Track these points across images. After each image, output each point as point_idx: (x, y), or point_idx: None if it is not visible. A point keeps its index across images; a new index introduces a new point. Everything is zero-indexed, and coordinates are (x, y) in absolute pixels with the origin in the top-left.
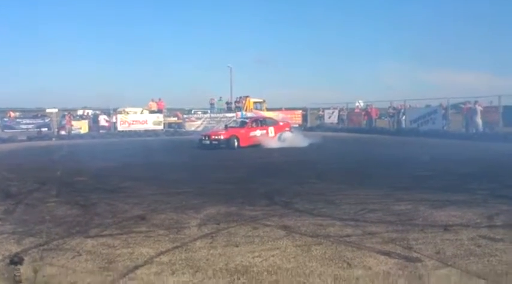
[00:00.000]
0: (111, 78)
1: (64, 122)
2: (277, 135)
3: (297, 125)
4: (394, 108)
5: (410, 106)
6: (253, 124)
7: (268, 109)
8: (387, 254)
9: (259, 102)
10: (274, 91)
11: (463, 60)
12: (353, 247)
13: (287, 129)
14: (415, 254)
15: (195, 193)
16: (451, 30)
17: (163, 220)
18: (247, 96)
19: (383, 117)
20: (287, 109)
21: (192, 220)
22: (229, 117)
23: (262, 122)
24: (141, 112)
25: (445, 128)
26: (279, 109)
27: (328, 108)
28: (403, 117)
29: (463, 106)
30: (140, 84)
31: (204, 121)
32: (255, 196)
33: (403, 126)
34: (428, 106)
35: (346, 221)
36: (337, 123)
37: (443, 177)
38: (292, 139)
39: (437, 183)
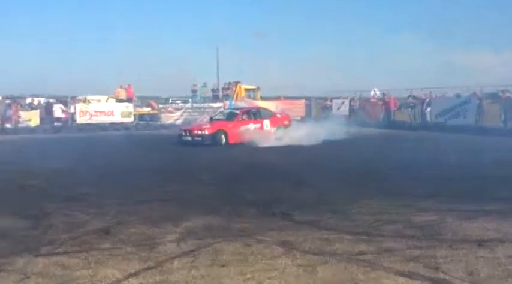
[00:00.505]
0: (68, 58)
1: (10, 113)
2: (274, 129)
3: (298, 118)
4: (414, 98)
5: (436, 96)
6: (245, 117)
7: (263, 99)
8: (408, 275)
9: (252, 90)
10: (271, 77)
11: (502, 38)
12: (366, 267)
13: (286, 122)
14: (442, 276)
15: (172, 202)
16: None
17: (132, 234)
18: (237, 82)
19: (402, 108)
20: (286, 98)
21: (168, 235)
22: (216, 108)
23: (255, 114)
24: (106, 101)
25: (478, 122)
26: (277, 98)
27: (337, 98)
28: (428, 109)
29: (501, 95)
30: (105, 66)
31: (184, 112)
32: (247, 205)
33: (428, 119)
34: (458, 95)
35: (357, 235)
36: (348, 116)
37: (474, 182)
38: (294, 134)
39: (468, 189)
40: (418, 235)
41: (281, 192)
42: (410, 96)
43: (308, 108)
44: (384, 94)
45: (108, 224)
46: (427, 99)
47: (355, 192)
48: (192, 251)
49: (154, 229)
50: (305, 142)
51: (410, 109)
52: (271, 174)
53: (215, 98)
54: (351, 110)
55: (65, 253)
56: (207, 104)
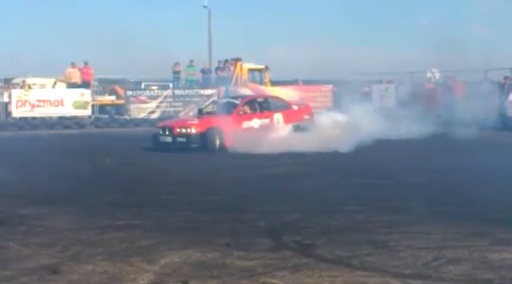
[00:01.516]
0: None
1: None
2: (289, 127)
3: (324, 109)
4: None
5: None
6: (248, 109)
7: (273, 83)
8: None
9: (259, 70)
10: (284, 52)
11: None
12: None
13: (306, 116)
14: None
15: (147, 228)
16: None
17: (89, 274)
18: (237, 60)
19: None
20: (306, 82)
21: (141, 275)
22: (207, 96)
23: (262, 105)
24: (54, 86)
25: None
26: (293, 82)
27: (379, 82)
28: (510, 97)
29: None
30: (53, 34)
31: (162, 102)
32: (251, 234)
33: (510, 113)
34: None
35: (408, 278)
36: (396, 106)
37: None
38: (319, 134)
39: None
40: (494, 279)
41: (295, 214)
42: (485, 77)
43: (337, 96)
44: (446, 76)
45: (57, 259)
46: (508, 84)
47: (404, 216)
48: None
49: (122, 266)
50: (341, 145)
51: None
52: (282, 189)
53: (206, 82)
54: (398, 98)
55: None
56: (194, 91)
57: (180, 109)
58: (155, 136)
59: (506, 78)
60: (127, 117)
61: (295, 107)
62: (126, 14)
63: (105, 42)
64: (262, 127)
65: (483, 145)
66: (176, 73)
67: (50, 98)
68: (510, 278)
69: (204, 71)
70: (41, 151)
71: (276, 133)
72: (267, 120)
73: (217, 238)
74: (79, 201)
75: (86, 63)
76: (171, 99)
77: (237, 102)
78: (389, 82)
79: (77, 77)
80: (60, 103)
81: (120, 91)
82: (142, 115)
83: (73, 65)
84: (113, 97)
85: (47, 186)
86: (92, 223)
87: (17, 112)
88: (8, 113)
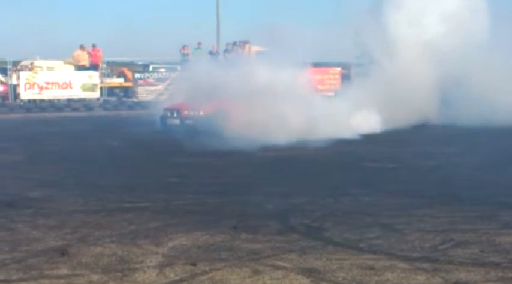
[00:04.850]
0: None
1: None
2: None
3: (331, 93)
4: None
5: None
6: None
7: None
8: None
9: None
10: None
11: None
12: None
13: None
14: None
15: (154, 210)
16: None
17: (98, 256)
18: (246, 42)
19: None
20: (315, 65)
21: (149, 258)
22: None
23: None
24: (62, 69)
25: None
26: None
27: None
28: None
29: None
30: (60, 17)
31: (170, 85)
32: (258, 216)
33: None
34: None
35: (415, 262)
36: None
37: None
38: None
39: None
40: (502, 262)
41: (307, 197)
42: None
43: (346, 78)
44: None
45: (66, 241)
46: None
47: (411, 199)
48: (180, 281)
49: (130, 248)
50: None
51: None
52: (290, 172)
53: None
54: None
55: (5, 281)
56: None
57: None
58: (162, 119)
59: None
60: (135, 100)
61: None
62: None
63: (113, 25)
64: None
65: None
66: (184, 55)
67: (58, 80)
68: None
69: (212, 54)
70: (50, 133)
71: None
72: None
73: (225, 221)
74: (87, 184)
75: (94, 45)
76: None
77: None
78: None
79: (85, 59)
80: (69, 85)
81: (128, 73)
82: (150, 97)
83: (82, 47)
84: (121, 80)
85: (55, 168)
86: (100, 205)
87: (25, 94)
88: (16, 95)
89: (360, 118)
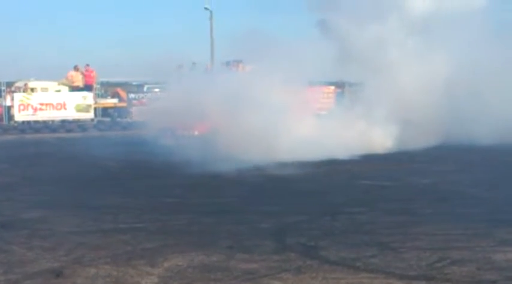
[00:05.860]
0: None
1: None
2: None
3: (324, 112)
4: None
5: None
6: None
7: None
8: None
9: None
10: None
11: None
12: None
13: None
14: None
15: (150, 231)
16: None
17: (93, 277)
18: (239, 62)
19: None
20: (310, 84)
21: (144, 279)
22: None
23: None
24: (57, 90)
25: None
26: None
27: None
28: None
29: None
30: (55, 39)
31: (157, 103)
32: (254, 236)
33: None
34: None
35: (412, 280)
36: None
37: None
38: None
39: None
40: (498, 280)
41: (303, 216)
42: None
43: (339, 97)
44: None
45: (60, 262)
46: None
47: (407, 217)
48: None
49: (126, 269)
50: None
51: None
52: (285, 192)
53: None
54: None
55: None
56: None
57: None
58: (157, 139)
59: None
60: (129, 119)
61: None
62: (129, 17)
63: (108, 44)
64: None
65: None
66: (179, 75)
67: (52, 101)
68: None
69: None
70: (44, 154)
71: None
72: None
73: (221, 241)
74: (82, 205)
75: (87, 66)
76: None
77: None
78: None
79: (79, 80)
80: (63, 106)
81: (123, 94)
82: (144, 117)
83: (76, 68)
84: (115, 100)
85: (50, 189)
86: (96, 226)
87: (19, 116)
88: (10, 117)
89: (363, 137)
